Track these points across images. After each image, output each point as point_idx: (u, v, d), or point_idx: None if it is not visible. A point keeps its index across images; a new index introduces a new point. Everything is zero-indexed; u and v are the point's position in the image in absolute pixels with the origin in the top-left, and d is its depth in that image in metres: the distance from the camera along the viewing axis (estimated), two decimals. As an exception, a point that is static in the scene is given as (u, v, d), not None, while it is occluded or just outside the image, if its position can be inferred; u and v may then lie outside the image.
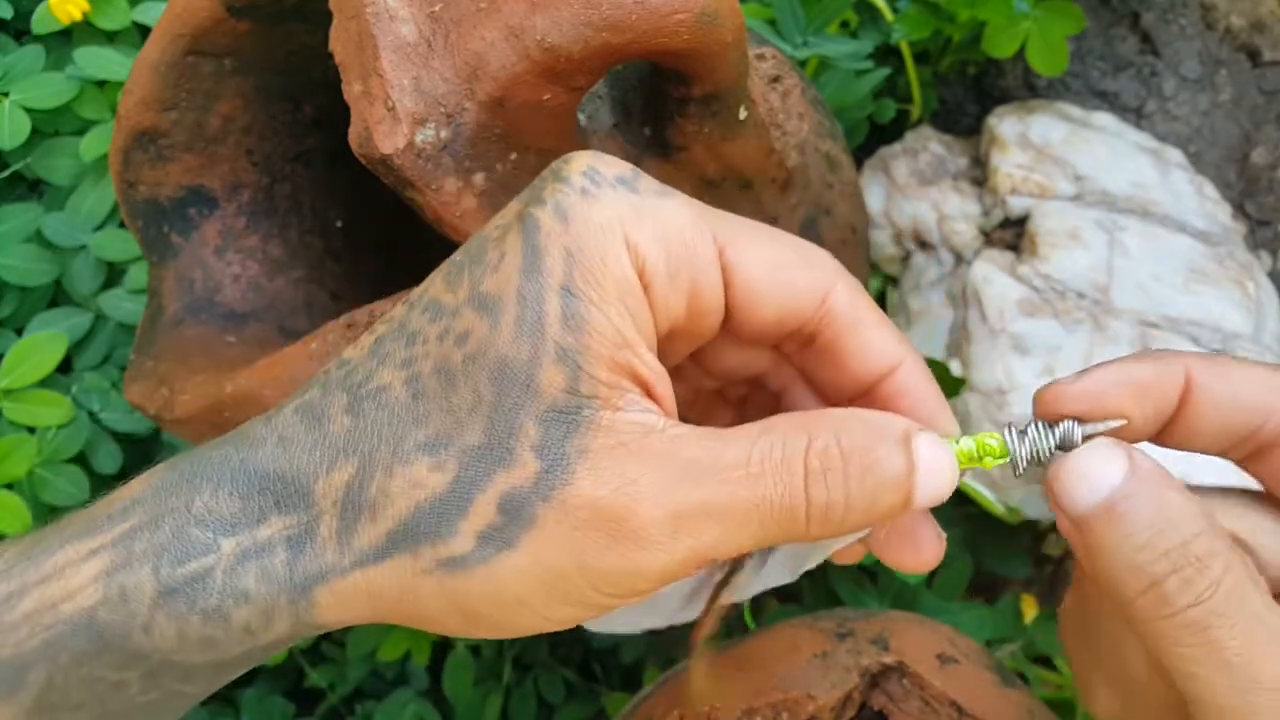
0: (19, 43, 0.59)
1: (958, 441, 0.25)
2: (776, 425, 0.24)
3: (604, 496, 0.23)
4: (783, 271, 0.25)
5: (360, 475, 0.24)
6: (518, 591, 0.23)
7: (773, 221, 0.38)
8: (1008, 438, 0.25)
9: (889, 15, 0.55)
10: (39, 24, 0.56)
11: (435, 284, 0.25)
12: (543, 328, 0.23)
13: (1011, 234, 0.54)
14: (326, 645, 0.54)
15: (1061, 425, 0.24)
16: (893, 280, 0.58)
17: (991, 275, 0.52)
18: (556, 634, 0.56)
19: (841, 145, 0.43)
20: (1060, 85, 0.62)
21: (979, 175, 0.57)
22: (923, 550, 0.27)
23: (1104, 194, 0.54)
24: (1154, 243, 0.52)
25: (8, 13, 0.59)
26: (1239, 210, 0.59)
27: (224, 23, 0.38)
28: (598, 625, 0.32)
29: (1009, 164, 0.54)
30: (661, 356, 0.25)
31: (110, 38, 0.57)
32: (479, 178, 0.30)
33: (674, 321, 0.25)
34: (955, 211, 0.56)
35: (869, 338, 0.26)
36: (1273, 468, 0.24)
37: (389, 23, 0.29)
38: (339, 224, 0.46)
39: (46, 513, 0.53)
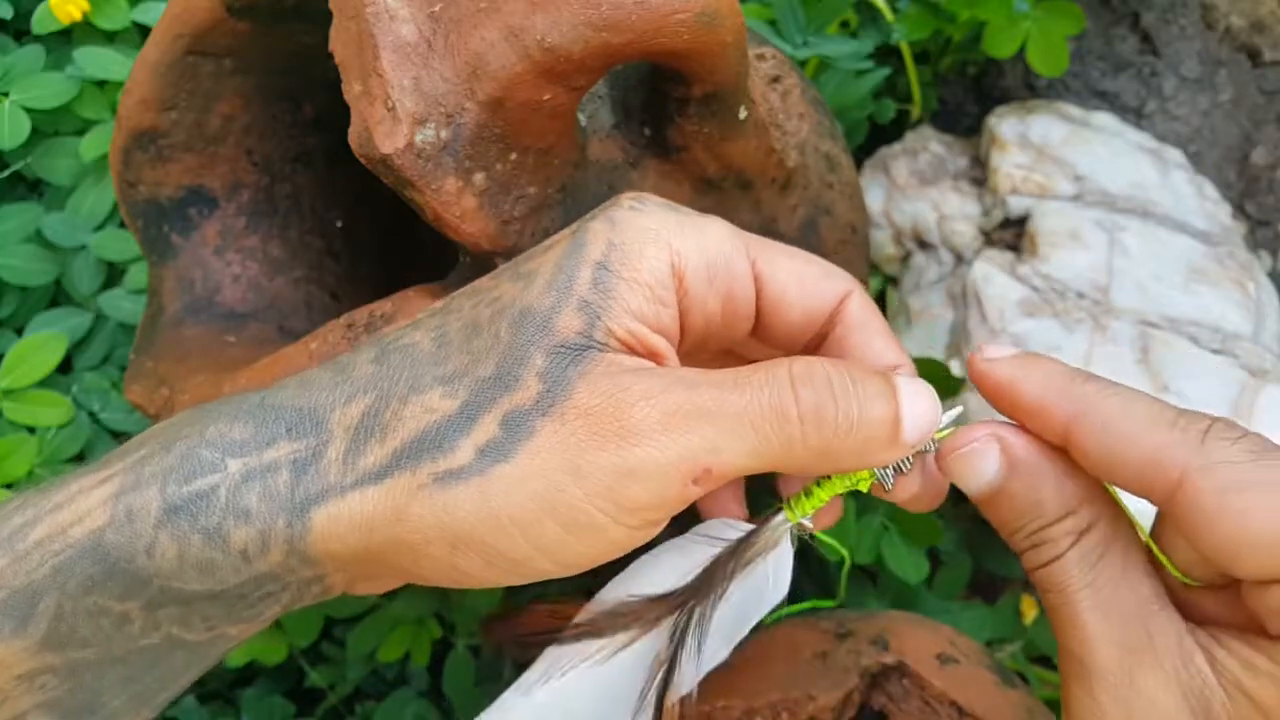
0: (19, 43, 0.59)
1: (829, 477, 0.28)
2: (762, 362, 0.26)
3: (598, 403, 0.24)
4: (807, 282, 0.28)
5: (376, 405, 0.25)
6: (510, 506, 0.24)
7: (773, 221, 0.38)
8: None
9: (889, 15, 0.55)
10: (39, 24, 0.56)
11: (478, 280, 0.27)
12: (572, 286, 0.25)
13: (1011, 234, 0.54)
14: (326, 645, 0.54)
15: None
16: (893, 280, 0.58)
17: (991, 275, 0.52)
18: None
19: (841, 145, 0.43)
20: (1060, 85, 0.62)
21: (979, 175, 0.57)
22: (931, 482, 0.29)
23: (1104, 194, 0.54)
24: (1154, 243, 0.52)
25: (8, 13, 0.59)
26: (1239, 210, 0.59)
27: (224, 23, 0.38)
28: None
29: (1009, 164, 0.54)
30: (693, 356, 0.28)
31: (110, 38, 0.57)
32: (479, 178, 0.30)
33: (710, 321, 0.27)
34: (955, 211, 0.56)
35: (870, 339, 0.29)
36: (1175, 525, 0.26)
37: (389, 23, 0.29)
38: (339, 224, 0.46)
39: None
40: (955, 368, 0.51)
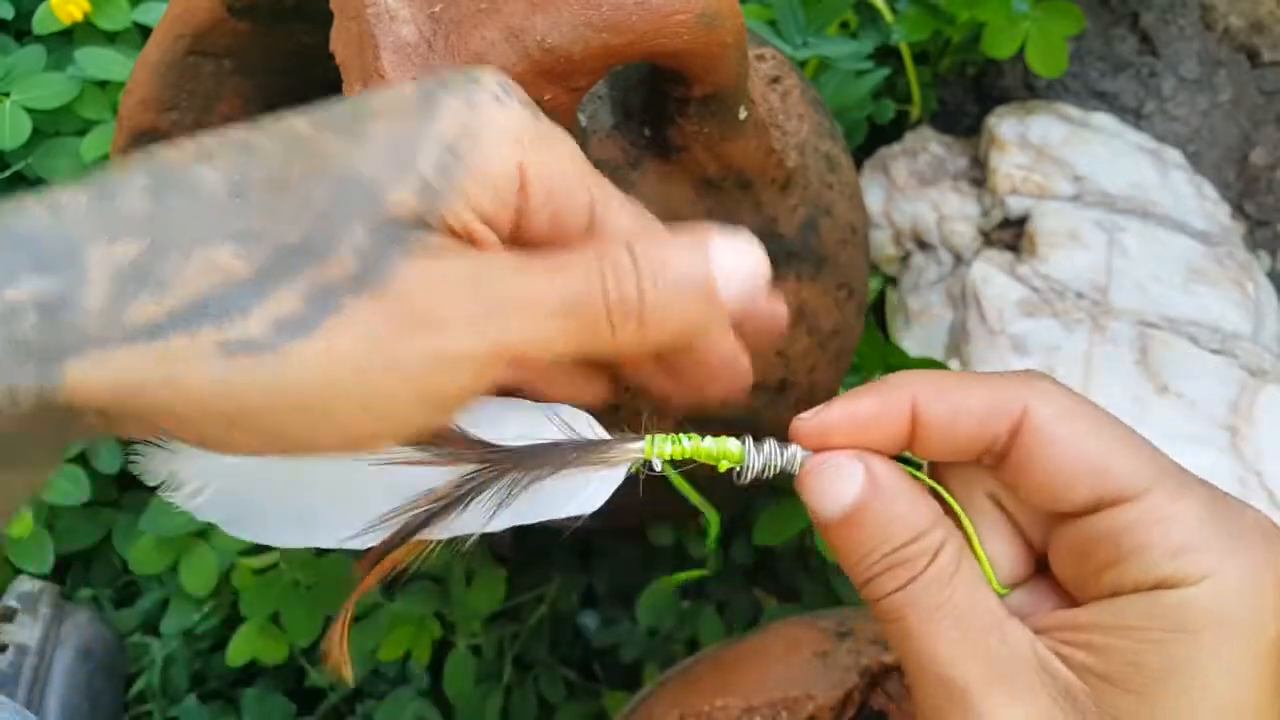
0: (20, 43, 0.59)
1: (704, 439, 0.27)
2: (582, 246, 0.25)
3: (414, 288, 0.22)
4: (613, 213, 0.26)
5: (151, 253, 0.22)
6: (304, 388, 0.22)
7: (773, 221, 0.38)
8: (747, 448, 0.27)
9: (889, 16, 0.55)
10: (40, 24, 0.56)
11: (291, 116, 0.24)
12: (414, 163, 0.23)
13: (1011, 234, 0.55)
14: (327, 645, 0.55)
15: (790, 448, 0.27)
16: (893, 280, 0.58)
17: (991, 275, 0.52)
18: (556, 634, 0.56)
19: (841, 145, 0.43)
20: (1060, 86, 0.62)
21: (978, 175, 0.57)
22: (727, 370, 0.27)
23: (1103, 194, 0.54)
24: (1153, 243, 0.52)
25: (8, 13, 0.59)
26: (1238, 210, 0.59)
27: (224, 23, 0.38)
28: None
29: (1008, 164, 0.55)
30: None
31: (111, 38, 0.57)
32: (479, 178, 0.30)
33: (534, 236, 0.25)
34: (955, 212, 0.56)
35: (611, 213, 0.26)
36: (1012, 475, 0.26)
37: (389, 23, 0.29)
38: (339, 224, 0.46)
39: (47, 513, 0.53)
40: (954, 367, 0.51)
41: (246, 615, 0.52)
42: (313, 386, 0.22)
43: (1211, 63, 0.62)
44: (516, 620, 0.56)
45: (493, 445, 0.27)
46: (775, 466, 0.27)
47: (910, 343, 0.55)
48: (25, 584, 0.52)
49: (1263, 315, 0.52)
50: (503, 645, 0.56)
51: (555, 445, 0.27)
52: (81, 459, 0.51)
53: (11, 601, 0.51)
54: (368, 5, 0.29)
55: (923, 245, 0.56)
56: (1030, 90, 0.62)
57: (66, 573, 0.56)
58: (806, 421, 0.27)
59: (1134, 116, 0.61)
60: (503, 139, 0.24)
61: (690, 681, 0.38)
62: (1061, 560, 0.26)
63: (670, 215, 0.28)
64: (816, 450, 0.27)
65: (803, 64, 0.54)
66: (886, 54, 0.58)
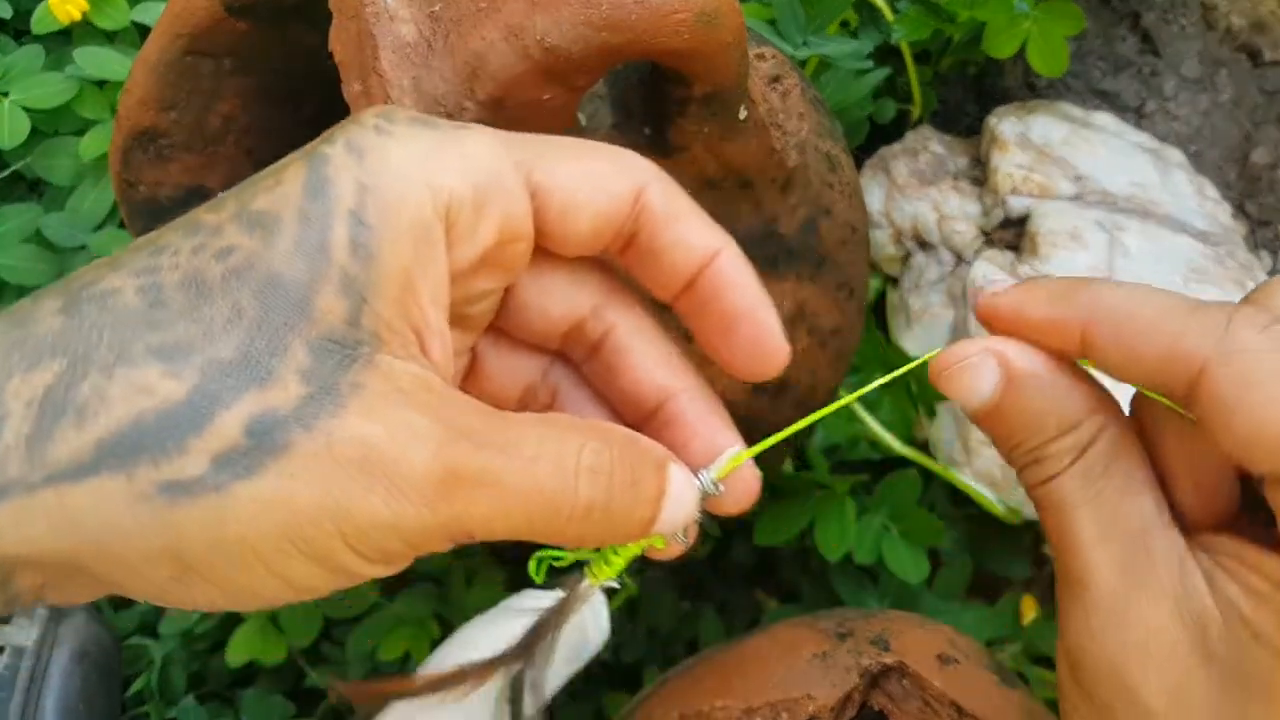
0: (18, 42, 0.59)
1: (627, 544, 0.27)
2: (555, 420, 0.23)
3: (378, 435, 0.20)
4: (594, 179, 0.24)
5: (69, 375, 0.20)
6: (252, 534, 0.20)
7: (773, 221, 0.38)
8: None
9: (889, 15, 0.55)
10: (38, 24, 0.56)
11: (196, 210, 0.23)
12: (328, 251, 0.21)
13: (1012, 234, 0.54)
14: (326, 645, 0.54)
15: (700, 473, 0.26)
16: (893, 280, 0.58)
17: (991, 275, 0.52)
18: (556, 634, 0.56)
19: (841, 145, 0.43)
20: (1060, 85, 0.62)
21: (979, 175, 0.57)
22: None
23: (1104, 194, 0.54)
24: (1154, 243, 0.52)
25: (7, 12, 0.59)
26: (1239, 210, 0.59)
27: (223, 23, 0.38)
28: None
29: (1009, 164, 0.54)
30: (473, 297, 0.24)
31: (110, 38, 0.57)
32: (479, 178, 0.30)
33: (485, 251, 0.24)
34: (955, 211, 0.55)
35: (685, 228, 0.25)
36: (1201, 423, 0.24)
37: (389, 23, 0.29)
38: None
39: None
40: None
41: (245, 616, 0.52)
42: (261, 531, 0.20)
43: (1213, 62, 0.61)
44: (516, 621, 0.56)
45: (499, 655, 0.27)
46: (699, 511, 0.26)
47: (911, 342, 0.55)
48: (24, 584, 0.52)
49: (1264, 315, 0.52)
50: (502, 646, 0.55)
51: (537, 626, 0.27)
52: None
53: (10, 602, 0.51)
54: (366, 4, 0.29)
55: (923, 245, 0.56)
56: (1031, 89, 0.62)
57: (65, 573, 0.56)
58: (987, 299, 0.26)
59: (1135, 116, 0.61)
60: (401, 176, 0.22)
61: (690, 682, 0.38)
62: (1269, 490, 0.24)
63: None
64: (991, 327, 0.26)
65: (803, 63, 0.54)
66: (887, 53, 0.58)
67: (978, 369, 0.26)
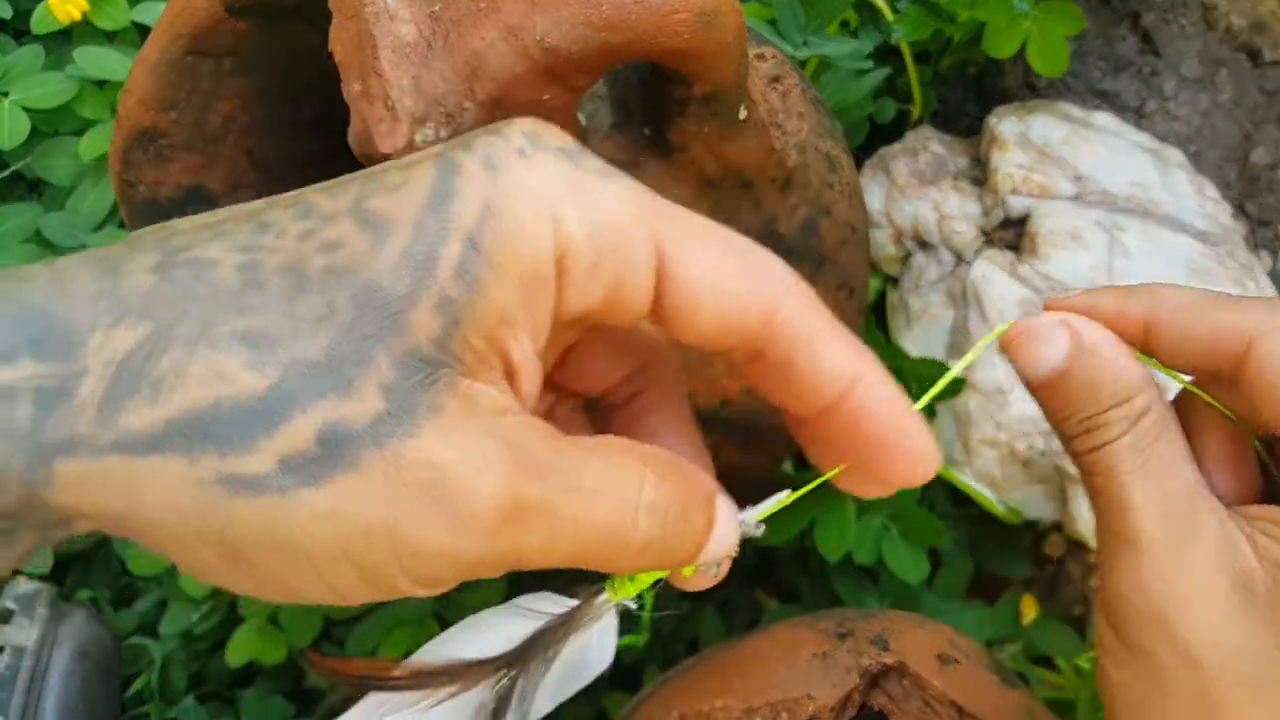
0: (18, 42, 0.59)
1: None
2: (614, 446, 0.23)
3: (450, 461, 0.20)
4: (725, 282, 0.23)
5: (152, 343, 0.20)
6: (308, 541, 0.20)
7: (773, 221, 0.38)
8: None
9: (889, 15, 0.55)
10: (38, 24, 0.56)
11: (310, 190, 0.22)
12: (434, 269, 0.21)
13: (1012, 234, 0.54)
14: (326, 645, 0.54)
15: (743, 515, 0.27)
16: (893, 280, 0.58)
17: (991, 275, 0.52)
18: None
19: (841, 145, 0.43)
20: (1060, 85, 0.62)
21: (979, 175, 0.57)
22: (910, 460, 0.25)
23: (1104, 194, 0.54)
24: (1154, 243, 0.52)
25: (7, 12, 0.59)
26: (1239, 210, 0.59)
27: (223, 23, 0.38)
28: None
29: (1009, 164, 0.54)
30: (558, 334, 0.24)
31: (110, 37, 0.57)
32: (479, 177, 0.30)
33: (589, 309, 0.23)
34: (955, 211, 0.55)
35: (822, 353, 0.24)
36: (1245, 401, 0.27)
37: (389, 22, 0.29)
38: (339, 224, 0.46)
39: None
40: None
41: (245, 616, 0.52)
42: (319, 540, 0.20)
43: (1213, 62, 0.61)
44: (516, 621, 0.56)
45: (494, 658, 0.26)
46: (732, 549, 0.26)
47: (911, 342, 0.55)
48: (23, 585, 0.52)
49: (1264, 315, 0.52)
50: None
51: (541, 633, 0.27)
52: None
53: (8, 603, 0.51)
54: (366, 4, 0.29)
55: (923, 245, 0.56)
56: (1031, 89, 0.62)
57: (65, 574, 0.56)
58: (1058, 300, 0.29)
59: (1135, 116, 0.61)
60: (528, 205, 0.21)
61: (690, 682, 0.38)
62: None
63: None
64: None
65: (803, 63, 0.54)
66: (887, 53, 0.58)
67: (1050, 338, 0.28)
